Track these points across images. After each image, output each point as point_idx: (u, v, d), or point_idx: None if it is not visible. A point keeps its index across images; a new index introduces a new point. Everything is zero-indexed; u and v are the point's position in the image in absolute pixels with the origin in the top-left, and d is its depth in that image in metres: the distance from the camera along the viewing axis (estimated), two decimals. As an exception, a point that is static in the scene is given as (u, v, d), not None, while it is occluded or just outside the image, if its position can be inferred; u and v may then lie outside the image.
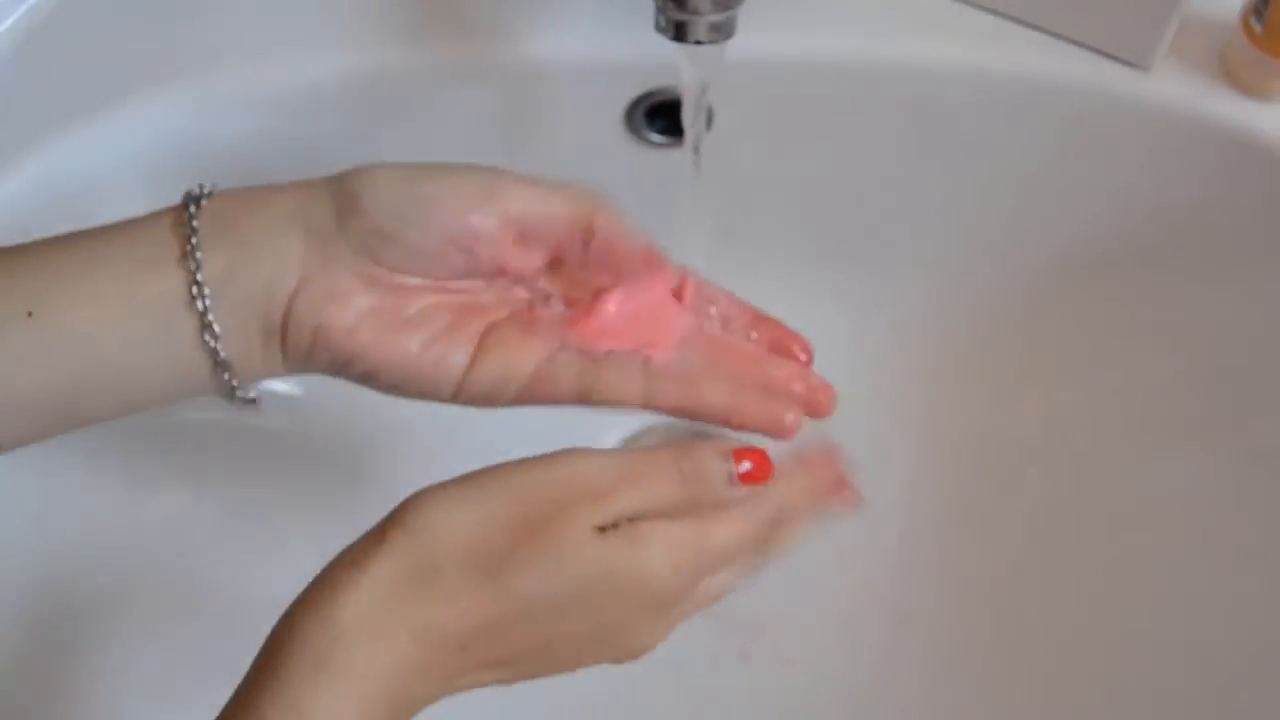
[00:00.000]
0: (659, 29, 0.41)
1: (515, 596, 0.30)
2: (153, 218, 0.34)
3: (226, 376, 0.33)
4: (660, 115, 0.52)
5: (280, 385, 0.56)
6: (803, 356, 0.38)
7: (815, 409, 0.38)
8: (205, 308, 0.32)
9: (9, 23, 0.48)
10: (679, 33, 0.40)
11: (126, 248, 0.33)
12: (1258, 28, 0.45)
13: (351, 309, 0.33)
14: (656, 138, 0.53)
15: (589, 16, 0.48)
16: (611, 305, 0.36)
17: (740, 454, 0.33)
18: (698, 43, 0.40)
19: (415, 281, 0.34)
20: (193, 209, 0.33)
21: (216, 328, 0.33)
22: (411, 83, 0.50)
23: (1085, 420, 0.56)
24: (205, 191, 0.34)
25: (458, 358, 0.34)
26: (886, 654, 0.54)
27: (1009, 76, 0.49)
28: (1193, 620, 0.50)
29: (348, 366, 0.34)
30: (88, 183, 0.48)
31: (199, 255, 0.32)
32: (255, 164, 0.51)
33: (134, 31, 0.49)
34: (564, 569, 0.30)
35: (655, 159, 0.53)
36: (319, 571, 0.30)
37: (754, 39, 0.42)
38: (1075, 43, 0.48)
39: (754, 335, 0.39)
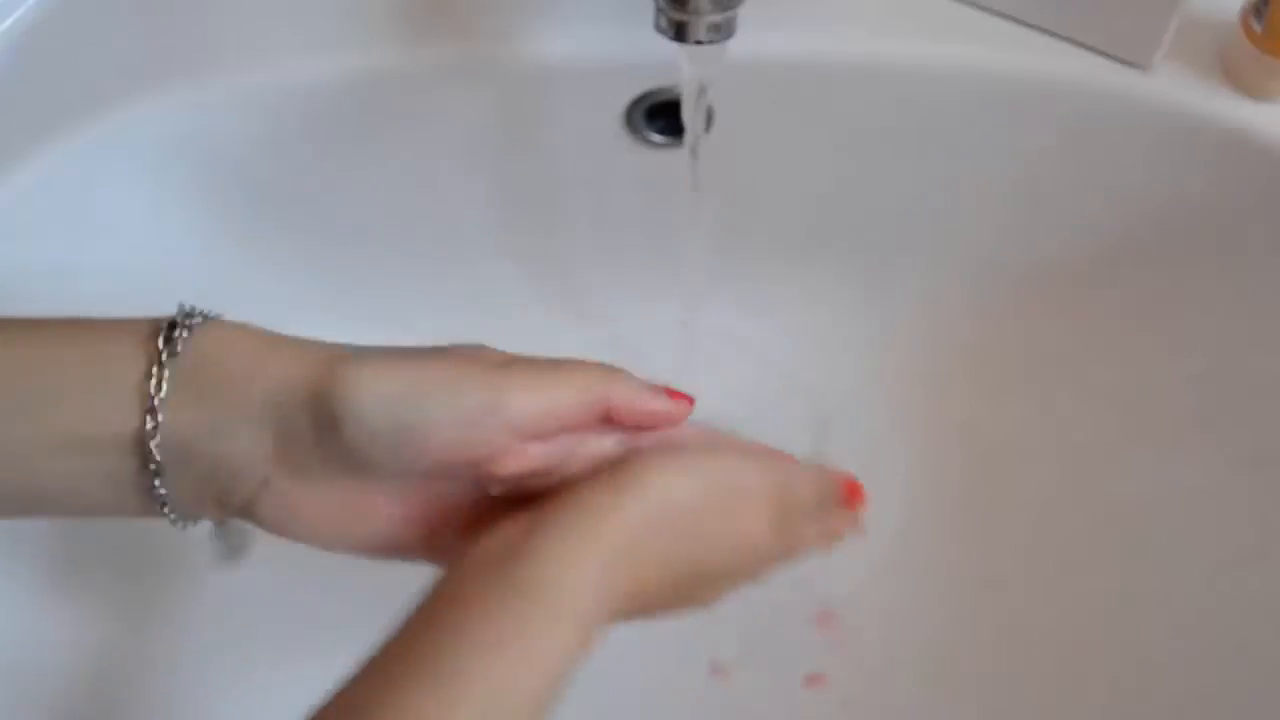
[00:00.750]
0: (659, 29, 0.41)
1: (698, 562, 0.34)
2: (121, 359, 0.31)
3: (172, 518, 0.33)
4: (660, 115, 0.52)
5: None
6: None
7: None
8: (157, 471, 0.31)
9: (9, 23, 0.48)
10: (679, 33, 0.40)
11: (84, 392, 0.31)
12: (1258, 28, 0.45)
13: (313, 519, 0.33)
14: (656, 138, 0.53)
15: (589, 16, 0.48)
16: None
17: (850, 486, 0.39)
18: (698, 43, 0.40)
19: (390, 489, 0.33)
20: (165, 354, 0.31)
21: (163, 491, 0.31)
22: (411, 83, 0.50)
23: (1085, 420, 0.56)
24: (186, 319, 0.32)
25: (410, 554, 0.35)
26: (884, 654, 0.54)
27: (1009, 76, 0.49)
28: (1192, 620, 0.50)
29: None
30: (88, 183, 0.48)
31: (161, 418, 0.30)
32: (255, 164, 0.52)
33: (134, 31, 0.49)
34: (744, 552, 0.35)
35: (655, 159, 0.53)
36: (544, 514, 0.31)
37: (754, 39, 0.42)
38: (1075, 43, 0.48)
39: None
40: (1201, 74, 0.48)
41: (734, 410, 0.60)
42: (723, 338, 0.58)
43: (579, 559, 0.30)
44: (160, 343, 0.31)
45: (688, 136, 0.46)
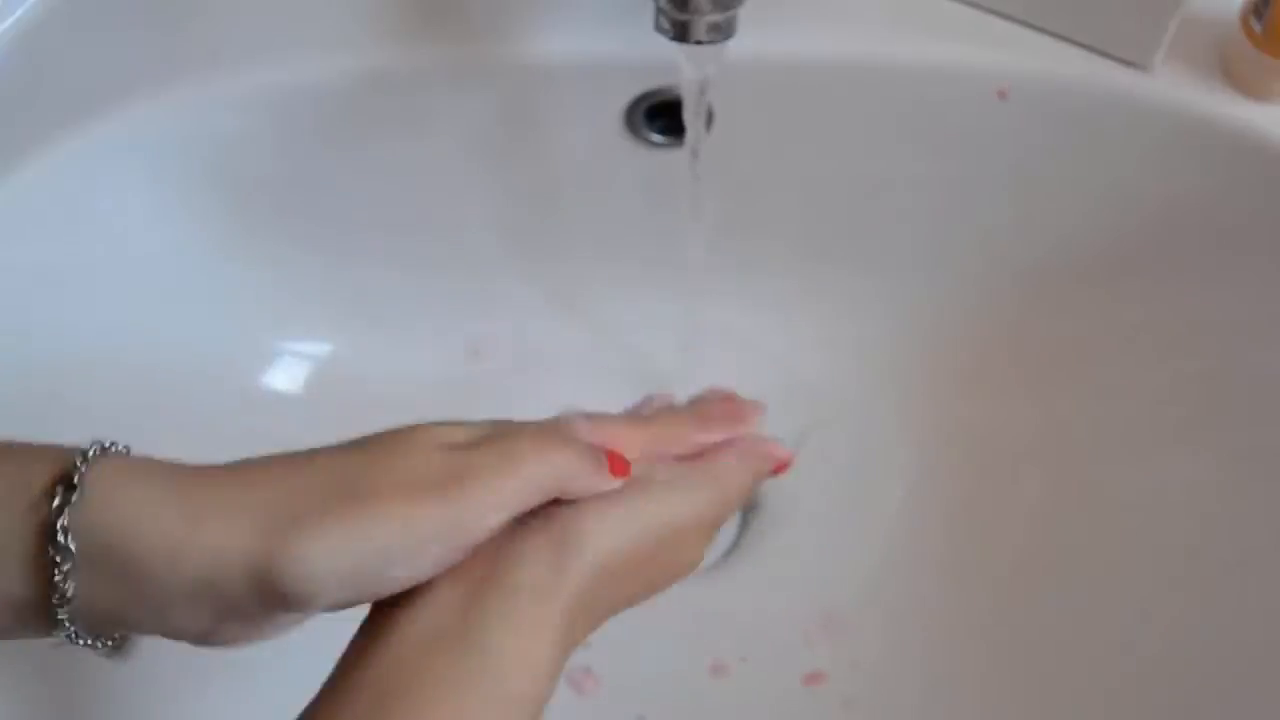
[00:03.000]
0: (659, 29, 0.41)
1: (642, 594, 0.35)
2: (17, 495, 0.28)
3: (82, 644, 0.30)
4: (660, 115, 0.52)
5: (280, 385, 0.56)
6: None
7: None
8: (70, 623, 0.28)
9: (9, 23, 0.48)
10: (679, 33, 0.40)
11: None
12: (1258, 28, 0.45)
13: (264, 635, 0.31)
14: (656, 138, 0.53)
15: (589, 16, 0.48)
16: None
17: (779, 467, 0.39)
18: (698, 43, 0.40)
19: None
20: (64, 519, 0.27)
21: (79, 640, 0.29)
22: (411, 83, 0.50)
23: (1085, 420, 0.56)
24: (91, 454, 0.29)
25: None
26: (885, 655, 0.54)
27: (1009, 76, 0.49)
28: (1192, 620, 0.50)
29: None
30: (88, 183, 0.48)
31: (69, 593, 0.28)
32: (255, 164, 0.52)
33: (134, 31, 0.49)
34: (686, 570, 0.36)
35: (655, 159, 0.53)
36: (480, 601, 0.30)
37: (754, 39, 0.42)
38: (1075, 43, 0.48)
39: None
40: (1201, 74, 0.48)
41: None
42: (723, 337, 0.58)
43: (533, 644, 0.30)
44: (56, 506, 0.27)
45: (688, 136, 0.46)
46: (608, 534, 0.32)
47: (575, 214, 0.57)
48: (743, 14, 0.40)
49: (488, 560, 0.31)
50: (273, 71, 0.49)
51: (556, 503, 0.32)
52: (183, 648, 0.30)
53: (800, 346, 0.60)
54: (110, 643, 0.30)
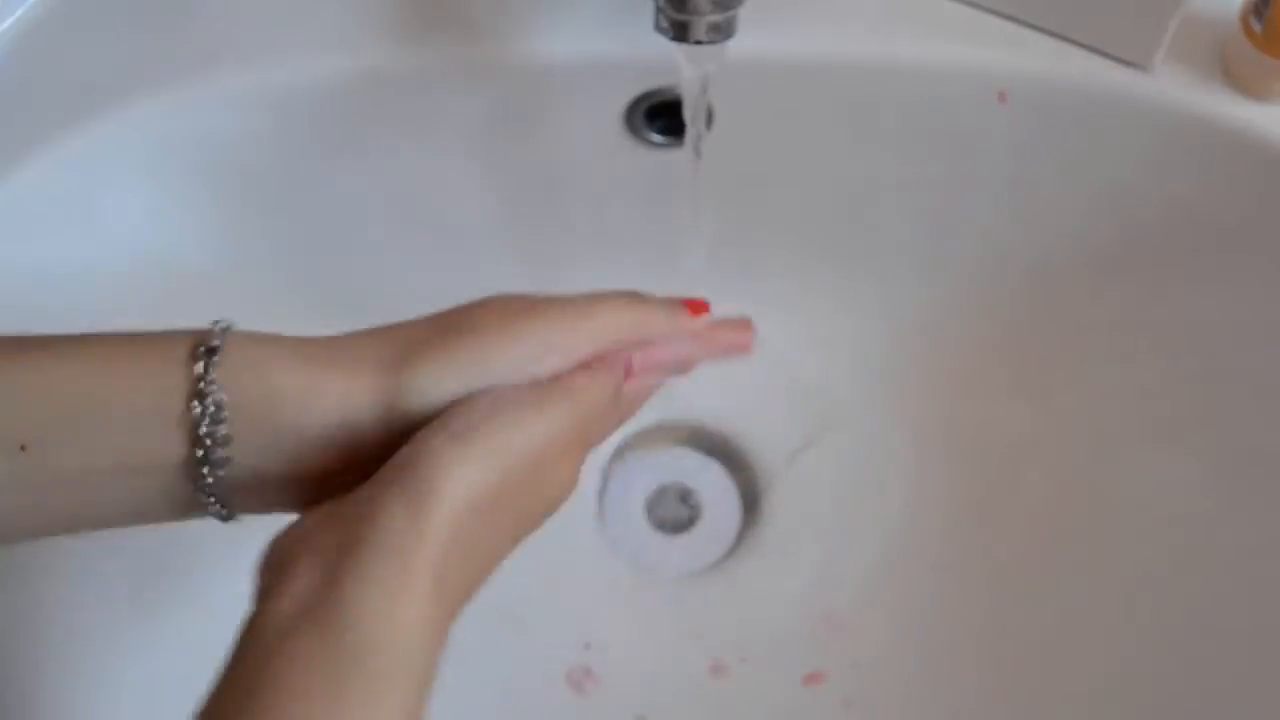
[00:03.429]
0: (659, 29, 0.41)
1: (520, 525, 0.33)
2: (166, 360, 0.31)
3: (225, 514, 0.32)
4: (660, 115, 0.52)
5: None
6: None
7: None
8: (213, 484, 0.31)
9: (9, 22, 0.48)
10: (679, 33, 0.40)
11: (130, 399, 0.31)
12: (1258, 28, 0.45)
13: None
14: (656, 138, 0.53)
15: (589, 16, 0.48)
16: None
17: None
18: (698, 43, 0.40)
19: None
20: (203, 365, 0.31)
21: (218, 506, 0.31)
22: (412, 83, 0.50)
23: (1085, 420, 0.56)
24: (221, 329, 0.32)
25: None
26: (885, 655, 0.54)
27: (1009, 76, 0.49)
28: (1192, 620, 0.50)
29: None
30: (88, 183, 0.48)
31: (206, 442, 0.30)
32: (255, 164, 0.52)
33: (134, 31, 0.49)
34: (562, 490, 0.34)
35: (655, 159, 0.53)
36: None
37: (754, 39, 0.42)
38: (1075, 43, 0.48)
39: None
40: (1201, 74, 0.48)
41: (734, 410, 0.61)
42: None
43: (399, 609, 0.28)
44: (200, 368, 0.31)
45: (688, 136, 0.46)
46: (463, 471, 0.30)
47: (575, 214, 0.57)
48: (743, 14, 0.40)
49: (345, 524, 0.29)
50: (272, 71, 0.49)
51: (413, 447, 0.31)
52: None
53: (800, 346, 0.60)
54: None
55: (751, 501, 0.59)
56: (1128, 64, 0.48)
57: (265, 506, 0.32)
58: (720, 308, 0.56)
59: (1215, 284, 0.52)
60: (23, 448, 0.30)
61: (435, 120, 0.52)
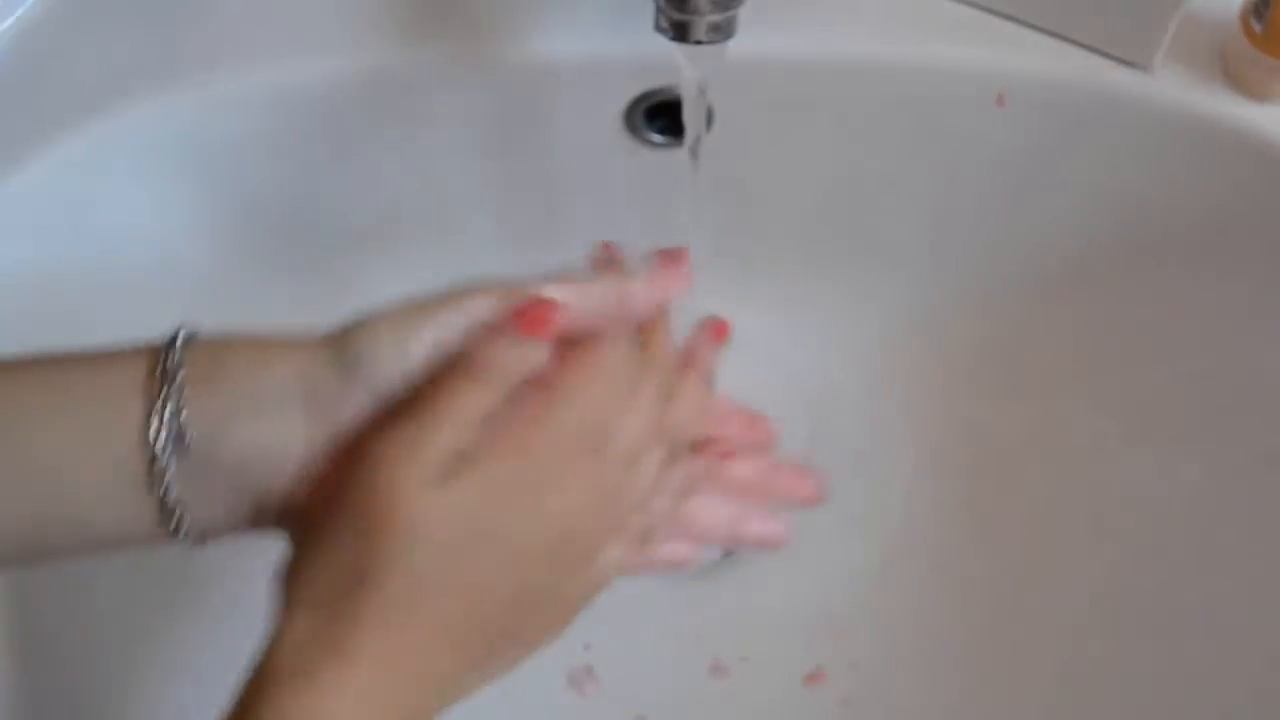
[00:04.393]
0: (659, 29, 0.41)
1: (493, 594, 0.31)
2: (127, 357, 0.31)
3: (183, 537, 0.31)
4: (660, 115, 0.52)
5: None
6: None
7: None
8: (165, 475, 0.30)
9: (9, 22, 0.48)
10: (679, 33, 0.40)
11: (94, 393, 0.31)
12: (1258, 28, 0.45)
13: None
14: (656, 138, 0.53)
15: (589, 16, 0.48)
16: None
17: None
18: (698, 43, 0.40)
19: None
20: (166, 362, 0.30)
21: (174, 494, 0.30)
22: (411, 83, 0.50)
23: (1086, 419, 0.56)
24: (185, 336, 0.31)
25: None
26: (885, 655, 0.54)
27: (1009, 76, 0.49)
28: (1194, 620, 0.50)
29: None
30: (88, 183, 0.48)
31: (165, 415, 0.30)
32: (255, 164, 0.52)
33: (134, 31, 0.49)
34: (558, 545, 0.32)
35: (655, 159, 0.53)
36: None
37: (754, 39, 0.42)
38: (1075, 43, 0.48)
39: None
40: (1201, 74, 0.48)
41: (734, 410, 0.60)
42: (722, 337, 0.58)
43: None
44: (160, 358, 0.31)
45: (688, 136, 0.46)
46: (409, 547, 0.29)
47: (575, 213, 0.57)
48: (743, 14, 0.40)
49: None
50: (273, 72, 0.49)
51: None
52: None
53: (800, 346, 0.60)
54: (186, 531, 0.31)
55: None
56: (1128, 64, 0.48)
57: (230, 507, 0.31)
58: (720, 307, 0.57)
59: (1216, 283, 0.52)
60: None
61: (435, 120, 0.52)
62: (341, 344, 0.31)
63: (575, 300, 0.33)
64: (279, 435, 0.30)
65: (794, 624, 0.55)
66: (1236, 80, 0.47)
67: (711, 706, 0.53)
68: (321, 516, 0.30)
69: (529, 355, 0.32)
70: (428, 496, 0.29)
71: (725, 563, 0.57)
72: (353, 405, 0.31)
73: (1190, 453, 0.53)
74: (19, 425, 0.30)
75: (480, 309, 0.33)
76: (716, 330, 0.39)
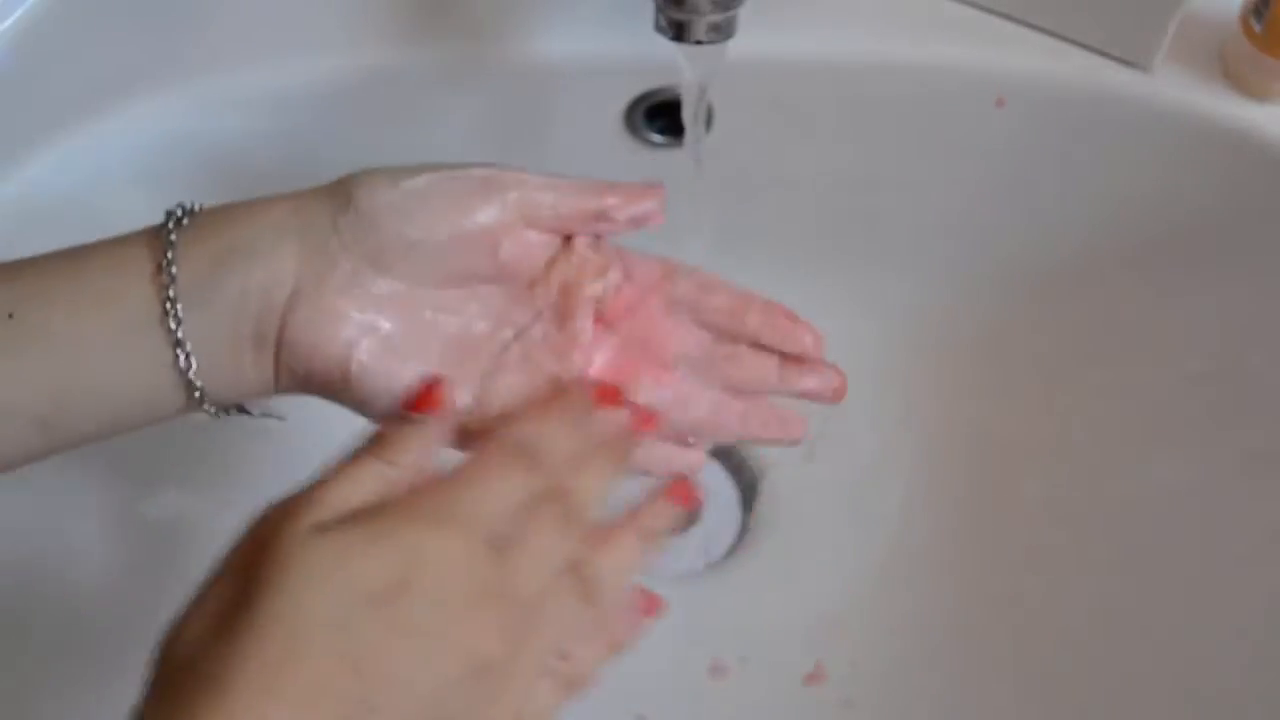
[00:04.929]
0: (659, 29, 0.41)
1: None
2: (135, 232, 0.33)
3: (198, 397, 0.32)
4: (660, 115, 0.52)
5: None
6: (810, 343, 0.39)
7: (833, 399, 0.40)
8: (177, 325, 0.31)
9: (9, 22, 0.48)
10: (679, 33, 0.40)
11: (105, 260, 0.33)
12: (1258, 28, 0.45)
13: (349, 327, 0.32)
14: (656, 138, 0.53)
15: (589, 16, 0.48)
16: (597, 365, 0.36)
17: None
18: (698, 43, 0.40)
19: (415, 291, 0.34)
20: (172, 224, 0.33)
21: (189, 346, 0.31)
22: (411, 83, 0.50)
23: (1086, 420, 0.56)
24: (190, 208, 0.33)
25: (462, 398, 0.34)
26: (885, 655, 0.54)
27: (1009, 76, 0.49)
28: (1195, 620, 0.50)
29: (343, 391, 0.33)
30: (88, 183, 0.48)
31: (174, 270, 0.32)
32: (255, 164, 0.51)
33: (134, 31, 0.49)
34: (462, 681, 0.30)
35: (655, 159, 0.53)
36: None
37: (754, 39, 0.42)
38: (1075, 43, 0.48)
39: (755, 324, 0.39)
40: (1202, 74, 0.48)
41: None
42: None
43: None
44: (166, 219, 0.33)
45: (688, 137, 0.46)
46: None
47: (575, 214, 0.57)
48: (743, 14, 0.40)
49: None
50: (273, 71, 0.49)
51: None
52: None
53: (800, 346, 0.60)
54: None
55: (751, 502, 0.58)
56: (1128, 64, 0.48)
57: (238, 344, 0.32)
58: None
59: (1215, 283, 0.52)
60: (10, 315, 0.31)
61: (435, 120, 0.52)
62: (335, 186, 0.33)
63: (555, 201, 0.35)
64: (271, 272, 0.32)
65: (794, 624, 0.55)
66: (1236, 80, 0.47)
67: (711, 706, 0.53)
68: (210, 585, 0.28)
69: (430, 434, 0.32)
70: (310, 536, 0.28)
71: (725, 563, 0.57)
72: (343, 241, 0.32)
73: (1190, 452, 0.53)
74: (38, 305, 0.31)
75: (476, 174, 0.35)
76: (680, 493, 0.36)
